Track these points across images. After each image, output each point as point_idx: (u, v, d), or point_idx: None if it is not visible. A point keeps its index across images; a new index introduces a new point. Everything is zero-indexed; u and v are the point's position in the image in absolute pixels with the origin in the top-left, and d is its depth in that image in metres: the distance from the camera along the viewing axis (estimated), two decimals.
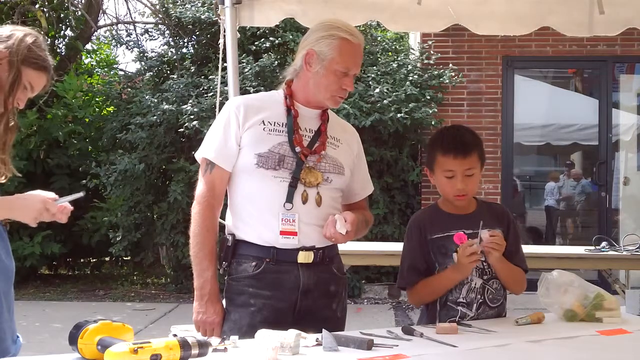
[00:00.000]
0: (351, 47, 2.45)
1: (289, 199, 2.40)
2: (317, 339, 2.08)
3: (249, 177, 2.43)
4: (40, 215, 2.21)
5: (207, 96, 8.08)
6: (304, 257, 2.41)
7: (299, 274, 2.41)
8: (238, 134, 2.43)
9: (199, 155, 2.51)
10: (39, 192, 2.27)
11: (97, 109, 9.87)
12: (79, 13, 10.22)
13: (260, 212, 2.42)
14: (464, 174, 2.56)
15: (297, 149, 2.43)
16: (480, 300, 2.57)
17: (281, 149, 2.43)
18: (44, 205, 2.20)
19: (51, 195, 2.26)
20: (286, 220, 2.40)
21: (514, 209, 8.85)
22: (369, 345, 2.03)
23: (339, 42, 2.43)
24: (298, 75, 2.52)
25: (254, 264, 2.40)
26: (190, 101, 8.05)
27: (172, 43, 9.60)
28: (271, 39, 8.42)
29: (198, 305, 2.42)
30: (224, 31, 4.00)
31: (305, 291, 2.42)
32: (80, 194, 2.32)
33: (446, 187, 2.60)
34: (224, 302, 2.46)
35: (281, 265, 2.40)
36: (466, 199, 2.61)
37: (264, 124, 2.45)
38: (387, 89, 8.11)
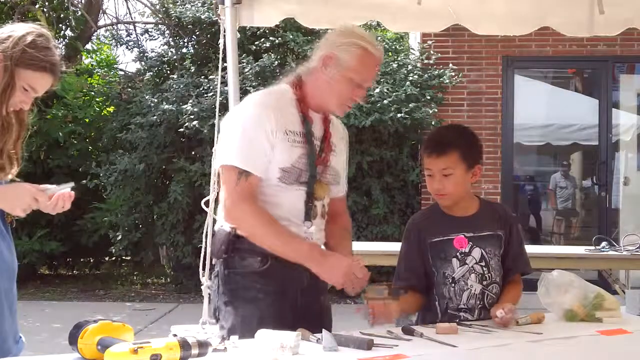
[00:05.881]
0: (371, 60, 2.41)
1: (307, 216, 2.40)
2: (318, 338, 2.08)
3: (268, 185, 2.39)
4: (28, 207, 2.17)
5: (207, 96, 8.08)
6: None
7: (301, 273, 2.41)
8: (271, 139, 2.34)
9: (226, 162, 2.37)
10: (28, 184, 2.22)
11: (97, 109, 9.87)
12: (79, 13, 10.23)
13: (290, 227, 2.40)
14: (440, 173, 2.54)
15: (315, 162, 2.41)
16: (480, 306, 2.55)
17: (300, 163, 2.39)
18: (31, 195, 2.16)
19: (41, 186, 2.22)
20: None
21: (514, 209, 8.85)
22: (369, 345, 2.03)
23: (361, 52, 2.38)
24: (311, 75, 2.46)
25: (259, 259, 2.38)
26: (190, 101, 8.05)
27: (172, 43, 9.61)
28: (271, 39, 8.42)
29: (329, 262, 2.36)
30: (224, 31, 4.00)
31: (305, 288, 2.43)
32: (71, 184, 2.26)
33: (428, 185, 2.62)
34: (224, 297, 2.42)
35: (285, 263, 2.39)
36: (447, 199, 2.59)
37: (287, 134, 2.38)
38: (387, 89, 8.10)
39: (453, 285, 2.56)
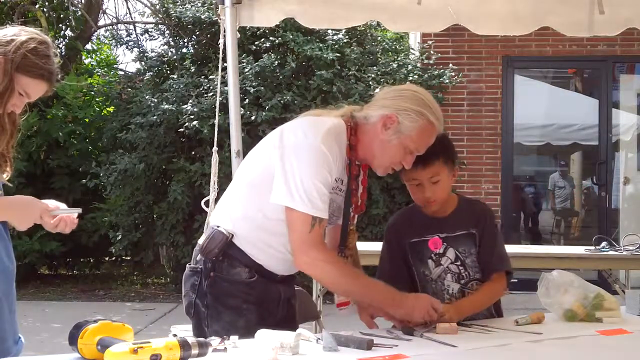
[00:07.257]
0: (432, 132, 2.35)
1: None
2: (318, 338, 2.08)
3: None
4: (31, 224, 2.21)
5: (207, 96, 8.08)
6: (285, 276, 2.45)
7: (279, 288, 2.44)
8: (329, 185, 2.29)
9: (299, 208, 2.22)
10: (48, 201, 2.26)
11: (97, 109, 9.87)
12: (79, 13, 10.22)
13: (288, 255, 2.36)
14: (429, 181, 2.52)
15: (351, 210, 2.41)
16: None
17: (336, 210, 2.38)
18: (39, 214, 2.20)
19: (53, 205, 2.25)
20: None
21: (514, 209, 8.86)
22: (369, 345, 2.03)
23: (425, 124, 2.32)
24: (368, 127, 2.37)
25: (247, 270, 2.37)
26: (190, 101, 8.05)
27: (172, 43, 9.60)
28: (271, 39, 8.41)
29: (409, 303, 2.32)
30: (224, 31, 4.01)
31: (282, 300, 2.46)
32: (78, 210, 2.30)
33: (415, 195, 2.59)
34: (205, 299, 2.39)
35: (268, 278, 2.40)
36: (437, 204, 2.58)
37: (335, 181, 2.34)
38: None
39: (433, 284, 2.58)
